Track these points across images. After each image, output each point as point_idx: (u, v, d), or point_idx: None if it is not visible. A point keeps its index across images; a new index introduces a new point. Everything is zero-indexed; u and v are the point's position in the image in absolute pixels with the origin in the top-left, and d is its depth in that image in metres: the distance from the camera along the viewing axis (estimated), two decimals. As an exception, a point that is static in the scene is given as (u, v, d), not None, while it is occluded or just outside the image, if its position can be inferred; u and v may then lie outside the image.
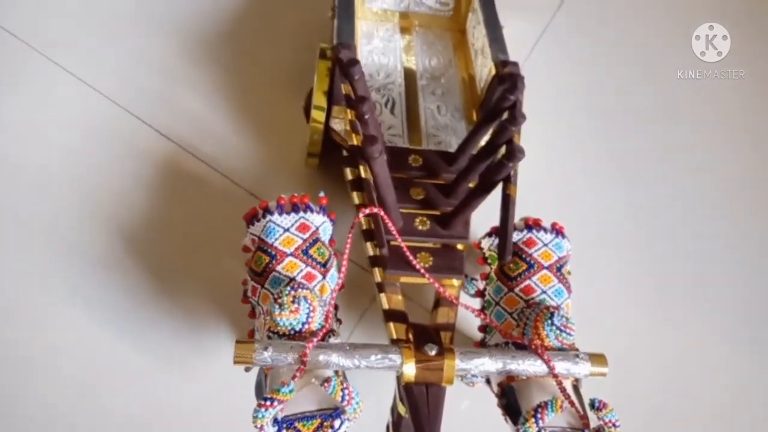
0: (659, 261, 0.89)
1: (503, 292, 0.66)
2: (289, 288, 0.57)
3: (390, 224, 0.57)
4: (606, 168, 0.94)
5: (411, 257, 0.60)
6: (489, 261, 0.70)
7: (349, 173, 0.73)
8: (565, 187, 0.92)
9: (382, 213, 0.56)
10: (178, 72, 0.93)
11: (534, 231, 0.68)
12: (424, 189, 0.71)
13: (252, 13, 1.01)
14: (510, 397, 0.60)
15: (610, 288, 0.86)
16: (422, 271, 0.61)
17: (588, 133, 0.96)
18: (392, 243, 0.63)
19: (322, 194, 0.67)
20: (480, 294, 0.70)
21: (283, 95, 0.93)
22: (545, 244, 0.67)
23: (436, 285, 0.62)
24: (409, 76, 0.85)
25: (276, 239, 0.62)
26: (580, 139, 0.96)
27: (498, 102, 0.65)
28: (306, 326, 0.56)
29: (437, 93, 0.84)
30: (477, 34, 0.85)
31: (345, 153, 0.76)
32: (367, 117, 0.58)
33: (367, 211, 0.56)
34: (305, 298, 0.56)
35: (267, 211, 0.64)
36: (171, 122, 0.89)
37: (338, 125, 0.76)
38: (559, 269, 0.67)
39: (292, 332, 0.56)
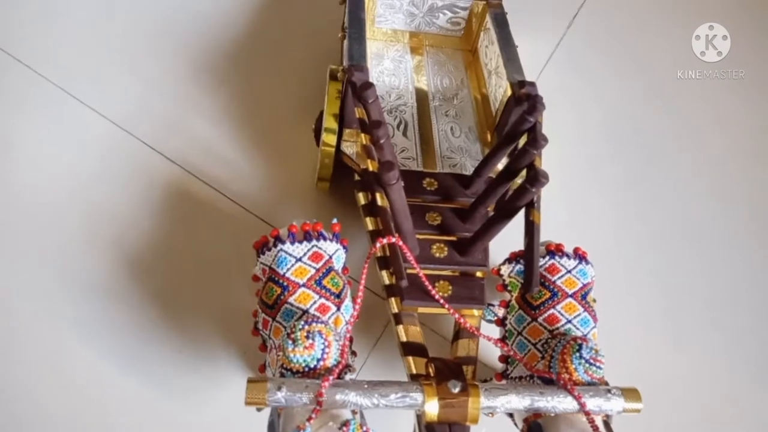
0: (672, 277, 0.87)
1: (526, 322, 0.63)
2: (302, 322, 0.54)
3: (408, 253, 0.54)
4: (622, 187, 0.92)
5: (429, 287, 0.57)
6: (509, 288, 0.67)
7: (361, 198, 0.70)
8: (579, 207, 0.89)
9: (400, 243, 0.54)
10: (187, 97, 0.92)
11: (557, 257, 0.65)
12: (441, 214, 0.68)
13: (261, 38, 1.00)
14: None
15: (626, 315, 0.82)
16: (441, 301, 0.58)
17: (603, 151, 0.94)
18: (409, 272, 0.60)
19: (335, 221, 0.64)
20: (500, 322, 0.67)
21: (293, 119, 0.91)
22: (569, 271, 0.64)
23: (456, 316, 0.59)
24: (421, 97, 0.83)
25: (288, 269, 0.60)
26: (595, 158, 0.93)
27: (516, 124, 0.63)
28: (321, 363, 0.53)
29: (450, 114, 0.82)
30: (490, 54, 0.83)
31: (357, 177, 0.73)
32: (382, 142, 0.56)
33: (385, 240, 0.53)
34: (320, 332, 0.53)
35: (278, 239, 0.61)
36: (179, 148, 0.87)
37: (350, 148, 0.74)
38: (583, 297, 0.64)
39: (307, 369, 0.53)
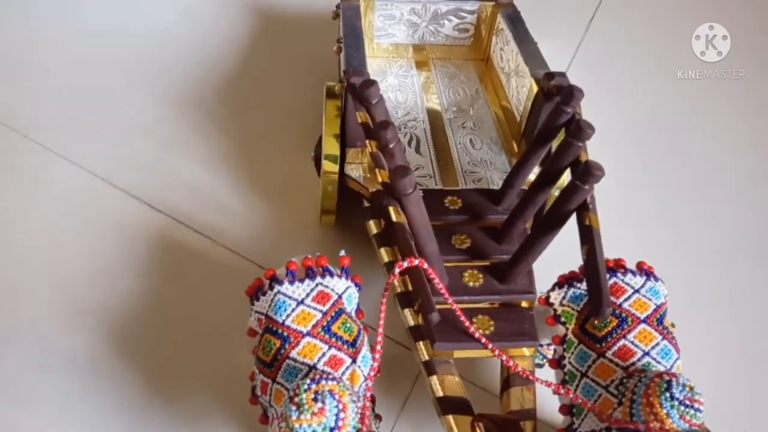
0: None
1: (591, 359, 0.50)
2: (308, 381, 0.42)
3: (436, 279, 0.43)
4: (651, 195, 0.83)
5: (467, 323, 0.45)
6: (563, 319, 0.54)
7: (373, 226, 0.59)
8: (615, 218, 0.78)
9: (425, 265, 0.42)
10: (172, 139, 0.83)
11: (619, 275, 0.53)
12: (469, 236, 0.56)
13: (250, 71, 0.92)
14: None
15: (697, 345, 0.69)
16: (483, 340, 0.46)
17: (630, 159, 0.86)
18: (439, 307, 0.48)
19: (343, 253, 0.53)
20: (555, 363, 0.54)
21: (289, 151, 0.81)
22: (636, 290, 0.52)
23: (504, 358, 0.46)
24: (433, 111, 0.73)
25: (287, 316, 0.48)
26: (623, 166, 0.84)
27: (551, 120, 0.52)
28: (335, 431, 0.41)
29: (468, 126, 0.71)
30: (506, 56, 0.73)
31: (366, 203, 0.62)
32: (392, 146, 0.45)
33: (406, 264, 0.42)
34: (331, 392, 0.41)
35: (274, 280, 0.50)
36: (164, 194, 0.77)
37: (355, 171, 0.63)
38: (659, 321, 0.51)
39: (317, 444, 0.40)
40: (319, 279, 0.50)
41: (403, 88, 0.76)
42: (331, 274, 0.51)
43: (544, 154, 0.56)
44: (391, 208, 0.44)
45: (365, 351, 0.49)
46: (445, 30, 0.80)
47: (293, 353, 0.47)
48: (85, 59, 0.92)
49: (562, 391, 0.47)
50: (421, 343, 0.50)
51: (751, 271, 0.76)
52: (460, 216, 0.58)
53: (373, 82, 0.49)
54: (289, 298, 0.49)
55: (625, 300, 0.51)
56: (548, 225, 0.47)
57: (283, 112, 0.86)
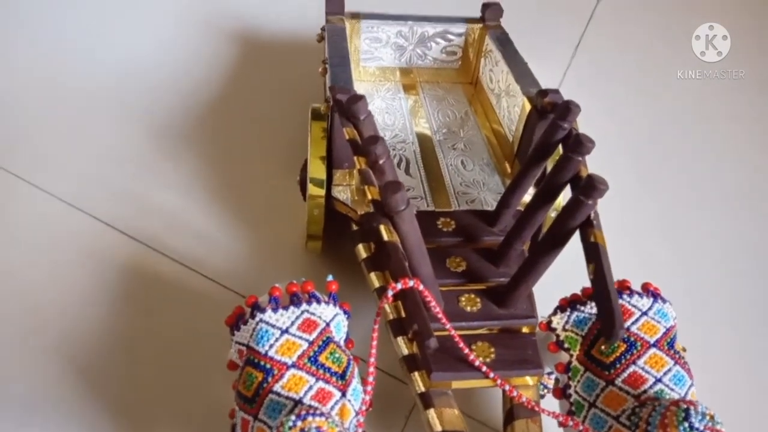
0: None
1: (599, 387, 0.47)
2: (293, 417, 0.38)
3: (433, 302, 0.39)
4: (649, 205, 0.82)
5: (466, 350, 0.41)
6: (567, 345, 0.50)
7: (362, 250, 0.56)
8: (616, 236, 0.76)
9: (420, 286, 0.39)
10: (149, 166, 0.80)
11: (624, 297, 0.50)
12: (464, 258, 0.53)
13: (232, 98, 0.90)
14: None
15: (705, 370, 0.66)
16: (484, 369, 0.43)
17: (626, 170, 0.85)
18: (436, 334, 0.45)
19: (330, 278, 0.49)
20: (560, 393, 0.50)
21: (272, 176, 0.78)
22: (644, 313, 0.49)
23: (507, 388, 0.43)
24: (422, 134, 0.71)
25: (271, 346, 0.44)
26: (620, 178, 0.82)
27: (547, 136, 0.50)
28: (324, 474, 0.36)
29: (458, 147, 0.69)
30: (496, 77, 0.71)
31: (355, 227, 0.59)
32: (382, 162, 0.43)
33: (400, 285, 0.38)
34: (319, 429, 0.37)
35: (256, 308, 0.46)
36: (139, 221, 0.73)
37: (343, 194, 0.60)
38: (670, 345, 0.48)
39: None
40: (304, 306, 0.46)
41: (391, 111, 0.74)
42: (318, 301, 0.47)
43: (540, 173, 0.53)
44: (382, 227, 0.41)
45: (356, 383, 0.45)
46: (433, 53, 0.78)
47: (277, 387, 0.42)
48: (59, 86, 0.89)
49: (571, 423, 0.43)
50: (416, 373, 0.46)
51: (753, 281, 0.74)
52: (454, 238, 0.55)
53: (360, 97, 0.47)
54: (273, 326, 0.45)
55: (633, 323, 0.48)
56: (549, 244, 0.44)
57: (266, 137, 0.84)
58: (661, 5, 1.08)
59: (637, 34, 1.05)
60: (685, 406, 0.41)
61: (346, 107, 0.47)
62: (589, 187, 0.41)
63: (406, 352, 0.48)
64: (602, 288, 0.39)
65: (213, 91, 0.90)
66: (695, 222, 0.80)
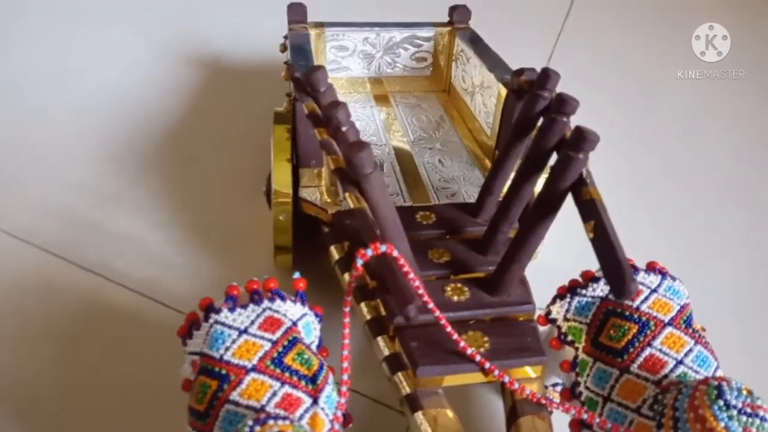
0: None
1: (613, 378, 0.40)
2: (250, 423, 0.31)
3: (411, 274, 0.33)
4: (638, 199, 0.78)
5: (454, 335, 0.35)
6: (571, 338, 0.44)
7: (334, 252, 0.50)
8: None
9: (394, 252, 0.33)
10: (106, 194, 0.74)
11: (630, 274, 0.44)
12: (448, 249, 0.48)
13: (194, 123, 0.86)
14: None
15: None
16: (478, 358, 0.36)
17: (626, 169, 0.82)
18: (419, 321, 0.39)
19: (297, 275, 0.43)
20: (569, 394, 0.43)
21: (239, 199, 0.73)
22: (653, 290, 0.43)
23: (507, 379, 0.36)
24: (396, 139, 0.67)
25: (227, 349, 0.38)
26: (620, 181, 0.79)
27: (528, 108, 0.46)
28: (289, 489, 0.29)
29: (435, 147, 0.65)
30: (469, 75, 0.68)
31: (326, 229, 0.54)
32: (345, 129, 0.38)
33: (370, 252, 0.32)
34: (281, 434, 0.30)
35: (210, 309, 0.40)
36: (95, 251, 0.67)
37: (311, 194, 0.55)
38: (687, 324, 0.42)
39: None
40: (266, 303, 0.40)
41: (362, 118, 0.70)
42: (283, 299, 0.41)
43: (522, 152, 0.49)
44: (348, 195, 0.35)
45: (330, 390, 0.38)
46: (402, 60, 0.75)
47: (234, 395, 0.36)
48: (12, 112, 0.85)
49: (586, 416, 0.37)
50: (400, 374, 0.40)
51: (755, 275, 0.69)
52: (435, 230, 0.50)
53: (319, 68, 0.42)
54: (229, 327, 0.38)
55: (643, 302, 0.42)
56: (541, 212, 0.39)
57: (230, 161, 0.79)
58: (661, 5, 1.09)
59: (637, 33, 1.05)
60: (716, 383, 0.35)
61: (304, 79, 0.42)
62: (578, 140, 0.37)
63: (387, 352, 0.41)
64: (605, 241, 0.34)
65: (175, 117, 0.86)
66: (695, 222, 0.76)
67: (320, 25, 0.72)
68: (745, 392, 0.34)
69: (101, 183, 0.76)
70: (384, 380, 0.43)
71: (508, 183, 0.49)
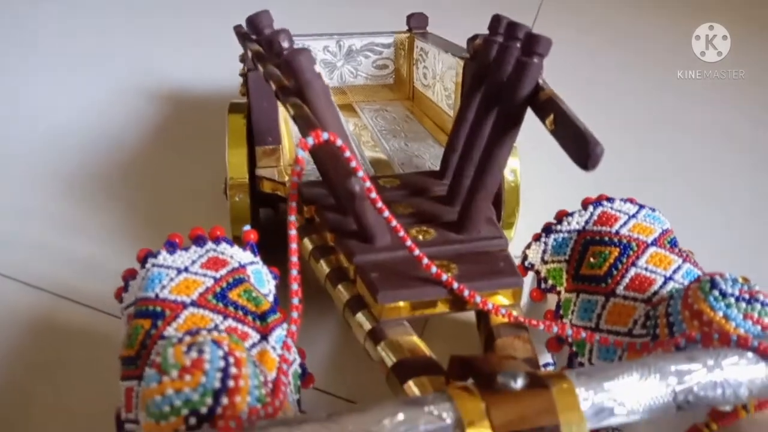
0: None
1: (599, 305, 0.37)
2: (181, 335, 0.27)
3: (354, 162, 0.30)
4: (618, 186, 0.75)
5: (416, 249, 0.32)
6: (552, 281, 0.41)
7: (308, 243, 0.46)
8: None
9: (338, 141, 0.30)
10: (62, 219, 0.71)
11: (605, 203, 0.41)
12: (412, 205, 0.45)
13: (155, 151, 0.84)
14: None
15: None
16: (445, 277, 0.33)
17: (626, 168, 0.79)
18: (380, 258, 0.35)
19: (247, 228, 0.40)
20: (555, 345, 0.39)
21: (198, 219, 0.70)
22: (632, 216, 0.40)
23: (478, 299, 0.32)
24: (360, 131, 0.65)
25: (163, 287, 0.33)
26: (620, 182, 0.77)
27: (483, 55, 0.44)
28: (224, 398, 0.25)
29: (400, 136, 0.63)
30: (429, 69, 0.68)
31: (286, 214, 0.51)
32: (286, 46, 0.36)
33: (311, 139, 0.29)
34: (214, 342, 0.26)
35: (148, 255, 0.36)
36: (56, 274, 0.63)
37: (269, 171, 0.52)
38: (672, 244, 0.39)
39: (191, 421, 0.24)
40: (210, 245, 0.36)
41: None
42: (230, 244, 0.37)
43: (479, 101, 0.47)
44: (289, 105, 0.32)
45: (281, 332, 0.34)
46: (364, 68, 0.75)
47: (169, 330, 0.31)
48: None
49: (570, 331, 0.32)
50: (361, 313, 0.36)
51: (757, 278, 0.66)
52: (400, 192, 0.47)
53: (264, 12, 0.41)
54: (167, 268, 0.34)
55: (622, 226, 0.39)
56: (501, 128, 0.37)
57: (191, 183, 0.77)
58: (661, 5, 1.10)
59: (638, 34, 1.06)
60: (708, 277, 0.31)
61: (247, 24, 0.41)
62: (530, 43, 0.35)
63: (348, 296, 0.37)
64: (565, 122, 0.31)
65: (137, 147, 0.85)
66: (695, 223, 0.74)
67: None
68: (741, 280, 0.31)
69: (61, 211, 0.73)
70: (360, 379, 0.38)
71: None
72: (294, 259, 0.30)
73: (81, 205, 0.74)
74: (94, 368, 0.52)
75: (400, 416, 0.23)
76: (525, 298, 0.42)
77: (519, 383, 0.24)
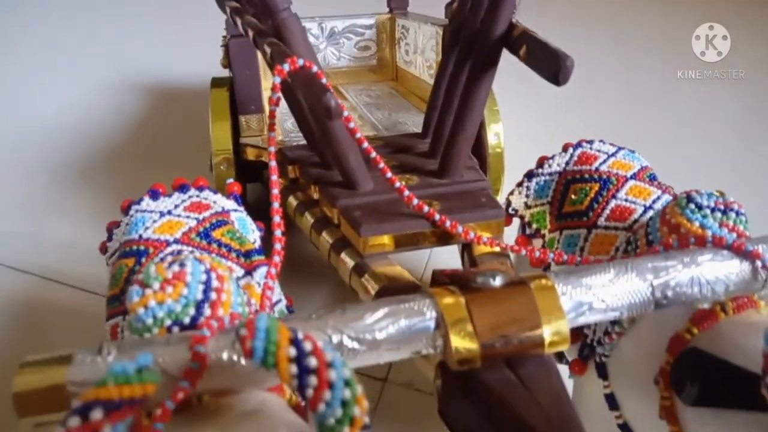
0: None
1: (581, 238, 0.37)
2: (163, 254, 0.27)
3: (328, 86, 0.30)
4: None
5: (397, 182, 0.32)
6: (536, 226, 0.41)
7: (293, 201, 0.47)
8: None
9: (314, 67, 0.30)
10: (44, 204, 0.71)
11: (584, 144, 0.42)
12: (395, 159, 0.45)
13: (137, 142, 0.84)
14: (694, 371, 0.27)
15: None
16: (426, 209, 0.33)
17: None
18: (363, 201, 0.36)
19: (230, 180, 0.40)
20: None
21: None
22: (611, 155, 0.41)
23: (460, 229, 0.33)
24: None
25: (146, 228, 0.33)
26: None
27: (459, 10, 0.45)
28: (206, 310, 0.25)
29: (385, 108, 0.64)
30: (411, 44, 0.69)
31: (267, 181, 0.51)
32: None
33: (287, 66, 0.29)
34: (196, 259, 0.26)
35: (133, 203, 0.36)
36: (33, 256, 0.63)
37: (253, 139, 0.53)
38: (652, 178, 0.39)
39: (175, 329, 0.24)
40: (193, 191, 0.37)
41: None
42: (214, 192, 0.38)
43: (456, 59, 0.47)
44: (265, 45, 0.33)
45: (264, 271, 0.34)
46: (347, 50, 0.76)
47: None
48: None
49: (552, 256, 0.33)
50: (344, 252, 0.36)
51: None
52: (383, 150, 0.47)
53: None
54: (150, 212, 0.35)
55: (601, 164, 0.40)
56: (479, 69, 0.37)
57: (176, 167, 0.77)
58: (661, 5, 1.11)
59: (638, 33, 1.07)
60: (685, 194, 0.32)
61: None
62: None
63: (332, 240, 0.37)
64: (537, 46, 0.32)
65: (118, 136, 0.85)
66: None
67: None
68: (718, 194, 0.31)
69: (45, 196, 0.73)
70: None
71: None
72: (276, 205, 0.30)
73: (63, 191, 0.74)
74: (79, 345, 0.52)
75: (381, 312, 0.23)
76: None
77: (498, 281, 0.24)
